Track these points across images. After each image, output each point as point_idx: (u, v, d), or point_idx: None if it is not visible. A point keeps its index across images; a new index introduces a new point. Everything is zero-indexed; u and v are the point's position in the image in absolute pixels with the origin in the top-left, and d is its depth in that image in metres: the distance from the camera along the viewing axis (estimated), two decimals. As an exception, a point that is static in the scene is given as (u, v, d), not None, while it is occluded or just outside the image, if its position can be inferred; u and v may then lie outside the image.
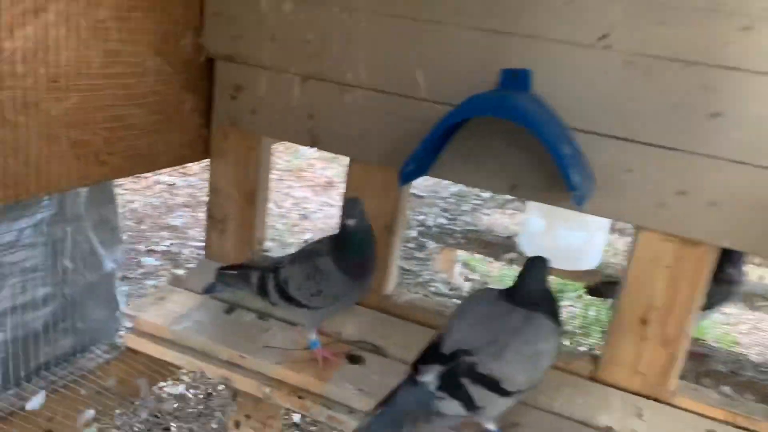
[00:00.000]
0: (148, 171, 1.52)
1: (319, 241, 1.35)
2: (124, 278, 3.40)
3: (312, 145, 1.51)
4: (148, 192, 4.26)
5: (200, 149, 1.63)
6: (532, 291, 1.14)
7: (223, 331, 1.44)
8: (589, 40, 1.20)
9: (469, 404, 1.05)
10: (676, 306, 1.29)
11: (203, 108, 1.58)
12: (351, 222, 1.20)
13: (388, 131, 1.41)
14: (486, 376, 1.05)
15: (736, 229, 1.19)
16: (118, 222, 1.80)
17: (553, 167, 1.15)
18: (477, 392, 1.05)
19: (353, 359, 1.41)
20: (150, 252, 3.74)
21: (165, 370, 1.56)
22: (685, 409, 1.33)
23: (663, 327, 1.31)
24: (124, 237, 3.75)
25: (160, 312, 1.49)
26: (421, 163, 1.30)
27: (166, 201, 4.32)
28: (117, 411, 1.45)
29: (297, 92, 1.47)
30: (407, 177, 1.28)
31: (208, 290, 1.46)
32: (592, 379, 1.40)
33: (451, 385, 1.05)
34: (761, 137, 1.13)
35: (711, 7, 1.11)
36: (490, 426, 1.14)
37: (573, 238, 2.31)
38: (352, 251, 1.25)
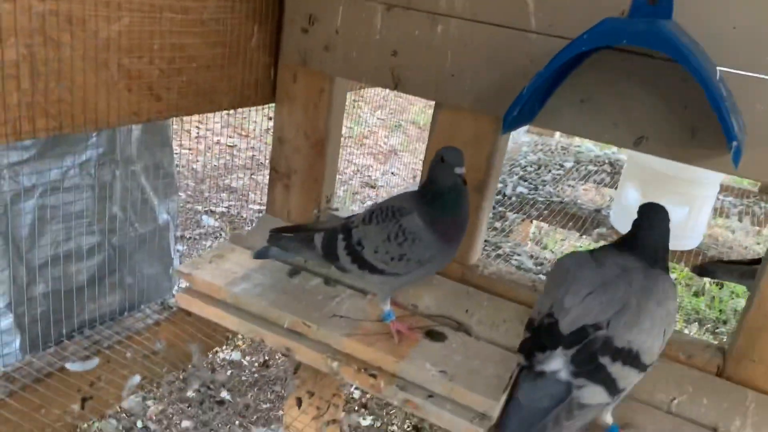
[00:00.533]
0: (208, 111, 1.35)
1: (400, 198, 1.15)
2: (181, 237, 3.31)
3: (394, 88, 1.30)
4: (209, 153, 4.17)
5: (266, 91, 1.44)
6: (652, 244, 0.95)
7: (285, 296, 1.27)
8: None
9: (612, 388, 0.85)
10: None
11: (271, 43, 1.39)
12: (460, 171, 1.01)
13: (486, 71, 1.19)
14: (625, 350, 0.85)
15: None
16: (173, 169, 1.65)
17: (690, 116, 0.92)
18: (619, 371, 0.85)
19: (433, 336, 1.21)
20: (209, 213, 3.65)
21: (220, 336, 1.40)
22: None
23: (819, 319, 1.06)
24: (183, 196, 3.67)
25: (217, 271, 1.33)
26: (526, 108, 1.08)
27: (227, 163, 4.22)
28: (165, 379, 1.30)
29: (379, 23, 1.26)
30: (511, 124, 1.06)
31: (260, 255, 1.29)
32: (721, 375, 1.16)
33: (590, 369, 0.85)
34: None
35: None
36: (608, 419, 0.94)
37: (674, 214, 2.04)
38: (446, 209, 1.05)
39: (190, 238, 3.32)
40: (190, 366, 1.32)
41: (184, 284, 1.36)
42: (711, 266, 1.66)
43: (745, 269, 1.51)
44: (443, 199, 1.05)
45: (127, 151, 1.44)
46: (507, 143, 1.34)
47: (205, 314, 1.29)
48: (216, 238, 3.37)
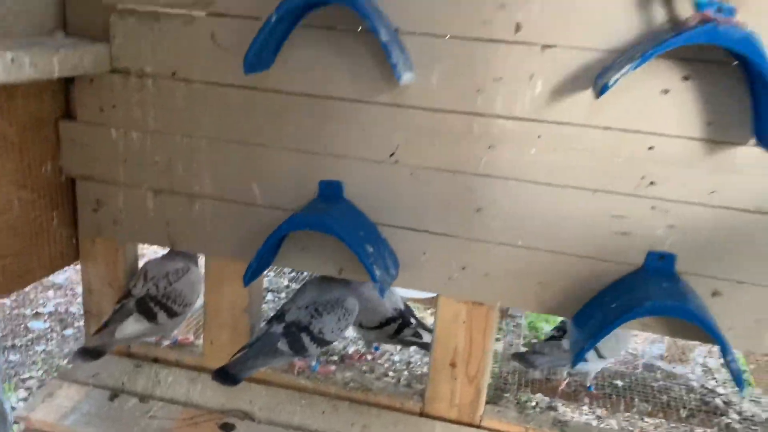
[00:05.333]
0: (24, 287, 1.70)
1: (333, 289, 1.80)
2: (12, 346, 3.46)
3: (171, 246, 1.75)
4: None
5: (72, 255, 1.82)
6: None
7: (109, 420, 1.66)
8: (383, 157, 1.53)
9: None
10: (474, 352, 1.65)
11: (70, 222, 1.78)
12: None
13: (235, 232, 1.68)
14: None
15: (505, 293, 1.56)
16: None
17: (362, 263, 1.47)
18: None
19: (226, 427, 1.68)
20: (36, 315, 3.78)
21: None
22: (493, 429, 1.71)
23: (467, 368, 1.67)
24: (8, 302, 3.78)
25: (49, 408, 1.68)
26: (262, 260, 1.58)
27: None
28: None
29: (151, 204, 1.71)
30: (251, 277, 1.56)
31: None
32: (421, 414, 1.75)
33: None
34: (512, 225, 1.50)
35: (465, 131, 1.46)
36: None
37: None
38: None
39: (21, 345, 3.47)
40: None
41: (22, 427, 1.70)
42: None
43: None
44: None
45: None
46: (262, 280, 1.83)
47: (45, 448, 1.65)
48: (48, 340, 3.54)
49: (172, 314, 1.79)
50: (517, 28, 1.38)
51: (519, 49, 1.39)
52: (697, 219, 1.40)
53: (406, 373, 2.14)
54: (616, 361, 2.31)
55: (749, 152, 1.32)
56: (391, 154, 1.52)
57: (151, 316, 1.74)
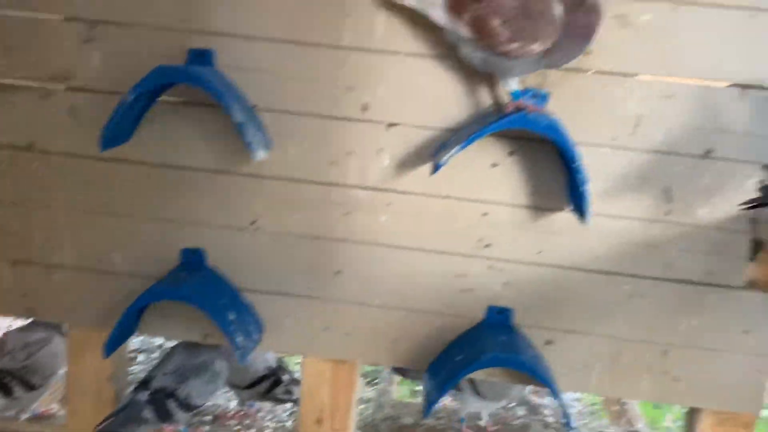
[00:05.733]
0: None
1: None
2: None
3: (30, 317, 1.71)
4: None
5: None
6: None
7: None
8: (244, 225, 1.59)
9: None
10: (339, 407, 1.73)
11: None
12: None
13: (97, 301, 1.67)
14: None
15: (365, 350, 1.66)
16: None
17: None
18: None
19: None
20: None
21: None
22: (359, 479, 1.78)
23: (332, 422, 1.74)
24: None
25: None
26: (123, 330, 1.59)
27: None
28: None
29: (9, 275, 1.67)
30: (111, 347, 1.56)
31: None
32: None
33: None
34: (369, 286, 1.60)
35: (322, 200, 1.56)
36: None
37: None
38: None
39: None
40: None
41: None
42: None
43: None
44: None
45: None
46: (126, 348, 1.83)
47: None
48: None
49: (30, 387, 1.73)
50: (365, 107, 1.51)
51: (367, 127, 1.52)
52: (529, 276, 1.57)
53: (287, 425, 2.17)
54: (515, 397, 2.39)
55: (566, 217, 1.51)
56: (252, 222, 1.59)
57: (6, 391, 1.68)
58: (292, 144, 1.55)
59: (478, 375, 1.62)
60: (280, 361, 2.10)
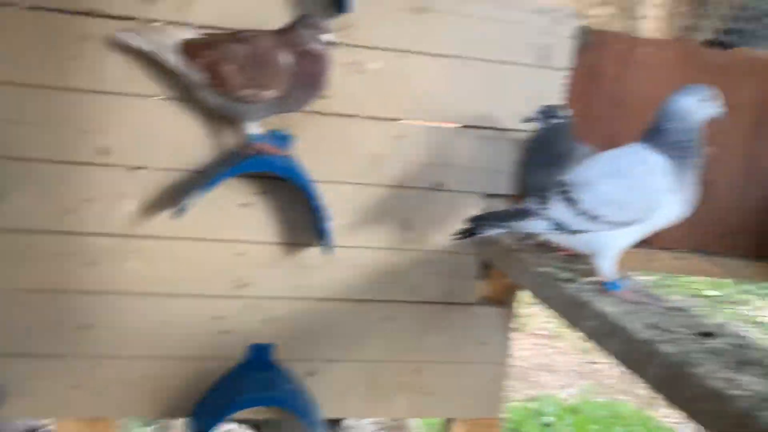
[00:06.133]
0: None
1: None
2: None
3: None
4: None
5: None
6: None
7: None
8: None
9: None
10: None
11: None
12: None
13: None
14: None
15: (122, 404, 1.56)
16: None
17: None
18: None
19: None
20: None
21: None
22: None
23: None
24: None
25: None
26: None
27: None
28: None
29: None
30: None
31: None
32: None
33: None
34: (120, 337, 1.52)
35: (60, 251, 1.46)
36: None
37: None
38: None
39: None
40: None
41: None
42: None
43: None
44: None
45: None
46: None
47: None
48: None
49: None
50: (105, 151, 1.45)
51: (107, 171, 1.46)
52: (289, 311, 1.60)
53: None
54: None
55: (316, 252, 1.57)
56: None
57: None
58: (27, 193, 1.43)
59: (244, 414, 1.61)
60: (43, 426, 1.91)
